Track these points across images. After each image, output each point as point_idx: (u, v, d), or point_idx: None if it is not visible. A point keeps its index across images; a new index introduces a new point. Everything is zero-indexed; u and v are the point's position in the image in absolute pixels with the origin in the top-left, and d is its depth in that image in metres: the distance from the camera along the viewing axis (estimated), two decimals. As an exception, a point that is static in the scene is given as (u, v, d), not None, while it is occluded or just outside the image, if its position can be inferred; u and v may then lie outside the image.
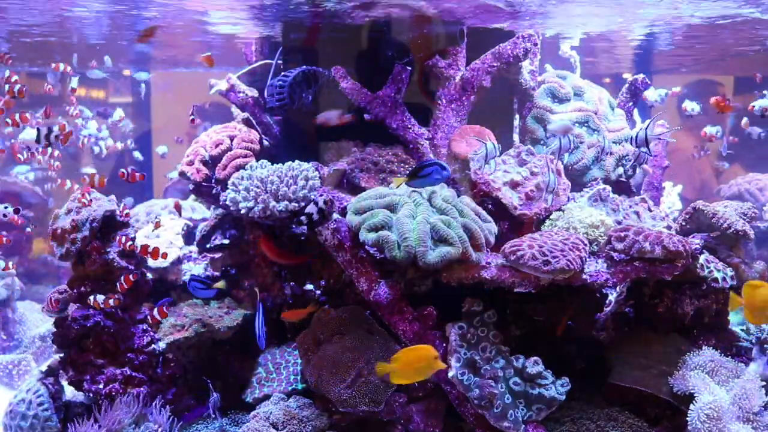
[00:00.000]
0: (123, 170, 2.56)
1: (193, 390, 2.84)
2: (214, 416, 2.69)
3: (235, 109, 3.55)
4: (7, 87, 2.68)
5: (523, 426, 2.42)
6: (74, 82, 4.48)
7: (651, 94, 4.46)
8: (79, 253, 2.71)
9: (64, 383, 2.79)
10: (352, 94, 3.02)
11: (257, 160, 2.95)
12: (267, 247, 2.87)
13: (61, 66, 3.75)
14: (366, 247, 2.56)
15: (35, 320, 4.40)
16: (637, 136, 2.73)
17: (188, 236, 3.29)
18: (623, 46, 4.82)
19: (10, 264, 3.52)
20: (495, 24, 3.39)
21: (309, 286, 3.04)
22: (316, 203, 2.63)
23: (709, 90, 5.96)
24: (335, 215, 2.72)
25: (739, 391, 2.38)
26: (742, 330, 2.94)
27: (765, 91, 3.88)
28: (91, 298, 2.62)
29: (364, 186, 2.92)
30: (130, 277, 2.62)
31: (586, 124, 3.27)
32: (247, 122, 3.34)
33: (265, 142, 3.28)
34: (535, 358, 2.50)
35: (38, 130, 2.54)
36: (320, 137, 3.25)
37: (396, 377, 2.26)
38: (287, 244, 2.92)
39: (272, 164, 2.87)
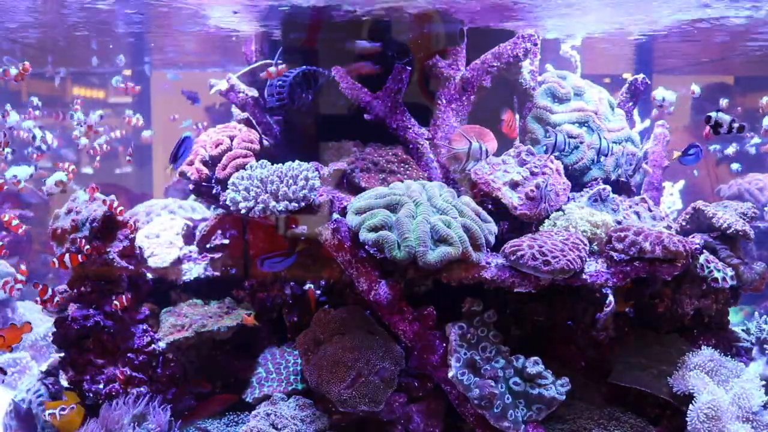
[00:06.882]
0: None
1: (193, 390, 2.84)
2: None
3: (235, 109, 3.55)
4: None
5: (523, 426, 2.42)
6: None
7: (662, 94, 4.20)
8: (79, 252, 2.71)
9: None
10: (352, 94, 3.02)
11: (257, 160, 2.95)
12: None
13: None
14: (366, 247, 2.56)
15: (35, 320, 4.40)
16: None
17: (188, 236, 3.29)
18: (624, 46, 4.82)
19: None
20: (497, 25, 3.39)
21: (309, 286, 3.04)
22: None
23: (721, 93, 5.92)
24: (335, 215, 2.72)
25: (739, 390, 2.38)
26: (742, 330, 2.94)
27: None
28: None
29: (364, 186, 2.92)
30: (124, 299, 2.68)
31: (586, 124, 3.27)
32: (247, 122, 3.34)
33: (265, 142, 3.28)
34: (535, 358, 2.50)
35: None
36: (320, 137, 3.25)
37: None
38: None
39: (272, 164, 2.87)
